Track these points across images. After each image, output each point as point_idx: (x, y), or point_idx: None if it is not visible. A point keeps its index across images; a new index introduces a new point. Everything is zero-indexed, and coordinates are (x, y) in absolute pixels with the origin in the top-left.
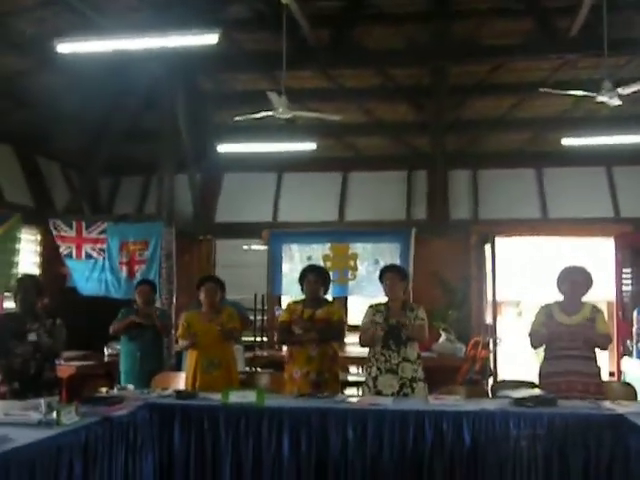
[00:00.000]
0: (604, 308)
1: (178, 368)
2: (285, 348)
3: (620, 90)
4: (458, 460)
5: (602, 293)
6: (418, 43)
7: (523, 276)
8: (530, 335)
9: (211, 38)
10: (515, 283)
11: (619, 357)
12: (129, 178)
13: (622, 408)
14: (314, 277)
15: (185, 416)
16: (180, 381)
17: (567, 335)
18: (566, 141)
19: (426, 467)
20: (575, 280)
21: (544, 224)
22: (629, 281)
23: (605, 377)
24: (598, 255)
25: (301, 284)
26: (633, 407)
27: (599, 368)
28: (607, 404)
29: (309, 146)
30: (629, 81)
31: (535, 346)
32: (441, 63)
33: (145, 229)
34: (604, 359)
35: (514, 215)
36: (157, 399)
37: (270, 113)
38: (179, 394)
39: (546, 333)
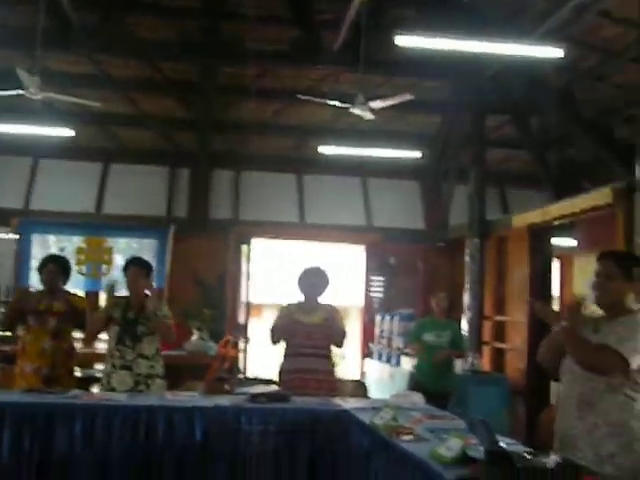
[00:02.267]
0: (355, 313)
1: None
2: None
3: (371, 104)
4: (189, 454)
5: (352, 298)
6: (189, 39)
7: (282, 278)
8: (270, 331)
9: None
10: (276, 285)
11: (363, 359)
12: None
13: (349, 404)
14: (54, 267)
15: None
16: None
17: (304, 334)
18: (323, 149)
19: (156, 462)
20: (313, 281)
21: (301, 229)
22: (376, 288)
23: (355, 376)
24: (351, 261)
25: (40, 274)
26: (359, 403)
27: (334, 366)
28: (337, 400)
29: (66, 132)
30: (384, 98)
31: (274, 342)
32: (210, 62)
33: None
34: (353, 360)
35: (273, 218)
36: None
37: (21, 92)
38: None
39: (283, 329)
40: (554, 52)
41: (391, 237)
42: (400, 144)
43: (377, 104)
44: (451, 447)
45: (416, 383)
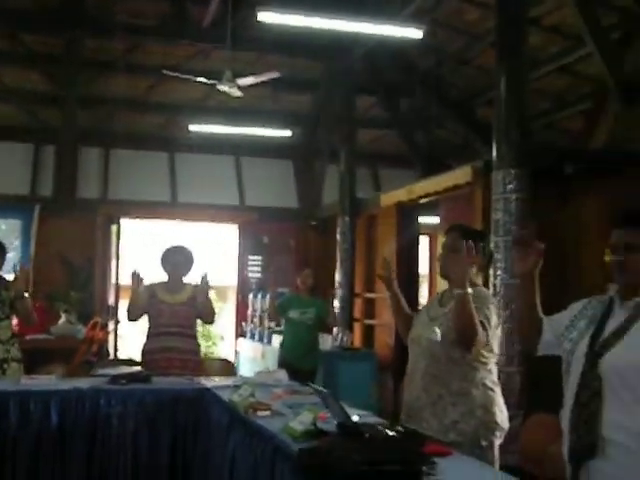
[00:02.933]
0: (232, 293)
1: None
2: None
3: (239, 81)
4: (45, 439)
5: (228, 278)
6: (51, 9)
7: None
8: (127, 309)
9: None
10: (147, 266)
11: (237, 338)
12: None
13: (212, 383)
14: None
15: None
16: None
17: (169, 313)
18: (194, 127)
19: (10, 448)
20: (176, 260)
21: (174, 208)
22: (254, 267)
23: (229, 356)
24: (226, 241)
25: None
26: (222, 381)
27: (199, 346)
28: (201, 379)
29: None
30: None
31: (131, 319)
32: (75, 34)
33: None
34: (229, 339)
35: (144, 197)
36: None
37: None
38: None
39: (143, 307)
40: (414, 33)
41: (265, 216)
42: (273, 123)
43: (245, 81)
44: (303, 421)
45: (283, 360)
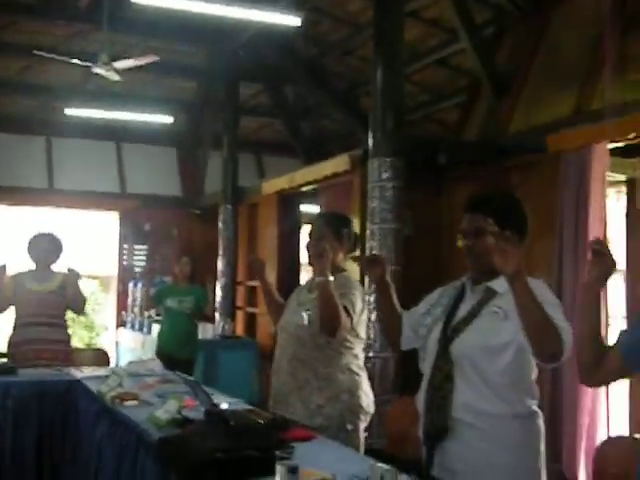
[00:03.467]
0: (112, 282)
1: None
2: None
3: (116, 64)
4: None
5: (108, 267)
6: None
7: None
8: None
9: None
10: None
11: (117, 328)
12: None
13: (82, 374)
14: None
15: None
16: None
17: (36, 302)
18: (70, 111)
19: None
20: (43, 248)
21: (51, 195)
22: (139, 256)
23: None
24: (105, 229)
25: None
26: (93, 372)
27: (69, 336)
28: (71, 370)
29: None
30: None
31: None
32: None
33: None
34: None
35: (19, 183)
36: None
37: None
38: None
39: (9, 297)
40: (294, 21)
41: (147, 204)
42: (156, 109)
43: (122, 64)
44: (168, 410)
45: (160, 350)
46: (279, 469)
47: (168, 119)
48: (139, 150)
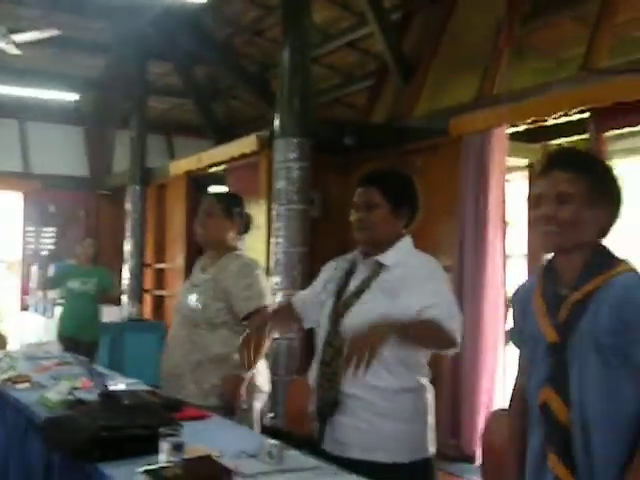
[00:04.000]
0: (15, 266)
1: None
2: None
3: (14, 37)
4: None
5: (10, 249)
6: None
7: None
8: None
9: None
10: None
11: (21, 312)
12: None
13: None
14: None
15: None
16: None
17: None
18: None
19: None
20: None
21: None
22: (39, 239)
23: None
24: (7, 210)
25: None
26: None
27: None
28: None
29: None
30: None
31: None
32: None
33: None
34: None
35: None
36: None
37: None
38: None
39: None
40: None
41: (52, 184)
42: (62, 87)
43: (21, 37)
44: (60, 391)
45: (61, 333)
46: (163, 445)
47: (72, 96)
48: (44, 129)
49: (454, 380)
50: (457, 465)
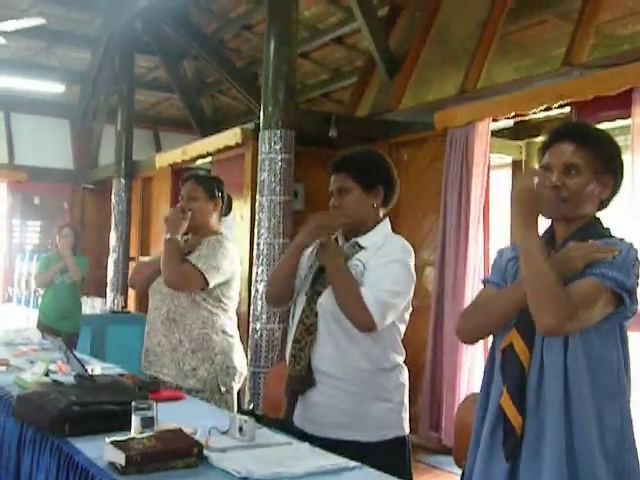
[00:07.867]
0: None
1: None
2: None
3: (1, 26)
4: None
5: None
6: None
7: None
8: None
9: None
10: None
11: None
12: None
13: None
14: None
15: None
16: None
17: None
18: None
19: None
20: None
21: None
22: (24, 232)
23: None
24: None
25: None
26: None
27: None
28: None
29: None
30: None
31: None
32: None
33: None
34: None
35: None
36: None
37: None
38: None
39: None
40: None
41: (37, 177)
42: (48, 79)
43: (6, 26)
44: (35, 372)
45: (40, 322)
46: (134, 420)
47: (59, 87)
48: (30, 121)
49: (434, 374)
50: (437, 457)
